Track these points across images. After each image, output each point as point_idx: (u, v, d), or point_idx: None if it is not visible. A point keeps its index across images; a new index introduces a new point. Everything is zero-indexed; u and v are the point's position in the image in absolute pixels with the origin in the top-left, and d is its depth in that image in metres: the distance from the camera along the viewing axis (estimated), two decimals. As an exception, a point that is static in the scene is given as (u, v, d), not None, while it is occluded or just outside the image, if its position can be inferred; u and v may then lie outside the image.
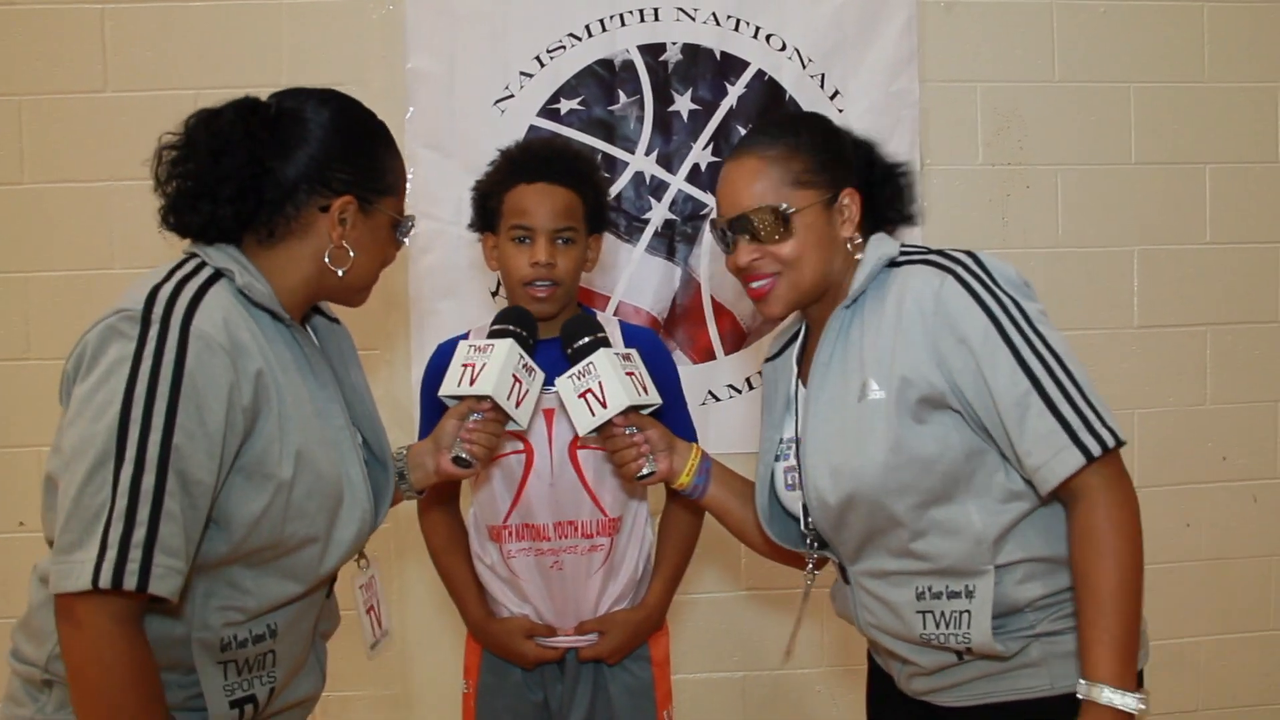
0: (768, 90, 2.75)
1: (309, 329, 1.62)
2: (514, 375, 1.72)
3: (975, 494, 1.51)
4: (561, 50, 2.72)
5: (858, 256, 1.62)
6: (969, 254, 1.55)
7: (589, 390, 1.74)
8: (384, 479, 1.68)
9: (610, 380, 1.73)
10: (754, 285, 1.64)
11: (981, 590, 1.50)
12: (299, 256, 1.49)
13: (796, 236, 1.59)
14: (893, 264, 1.60)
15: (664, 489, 2.11)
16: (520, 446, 1.95)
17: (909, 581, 1.57)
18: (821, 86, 2.75)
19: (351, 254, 1.51)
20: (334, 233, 1.49)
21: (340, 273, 1.51)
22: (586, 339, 1.78)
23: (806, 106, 2.74)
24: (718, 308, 2.76)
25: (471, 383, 1.70)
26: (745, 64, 2.74)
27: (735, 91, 2.74)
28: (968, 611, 1.51)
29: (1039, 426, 1.43)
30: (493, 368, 1.70)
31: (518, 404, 1.73)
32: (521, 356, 1.74)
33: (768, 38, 2.74)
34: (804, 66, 2.75)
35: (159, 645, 1.36)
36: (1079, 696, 1.43)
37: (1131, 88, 2.86)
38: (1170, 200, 2.89)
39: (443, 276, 2.72)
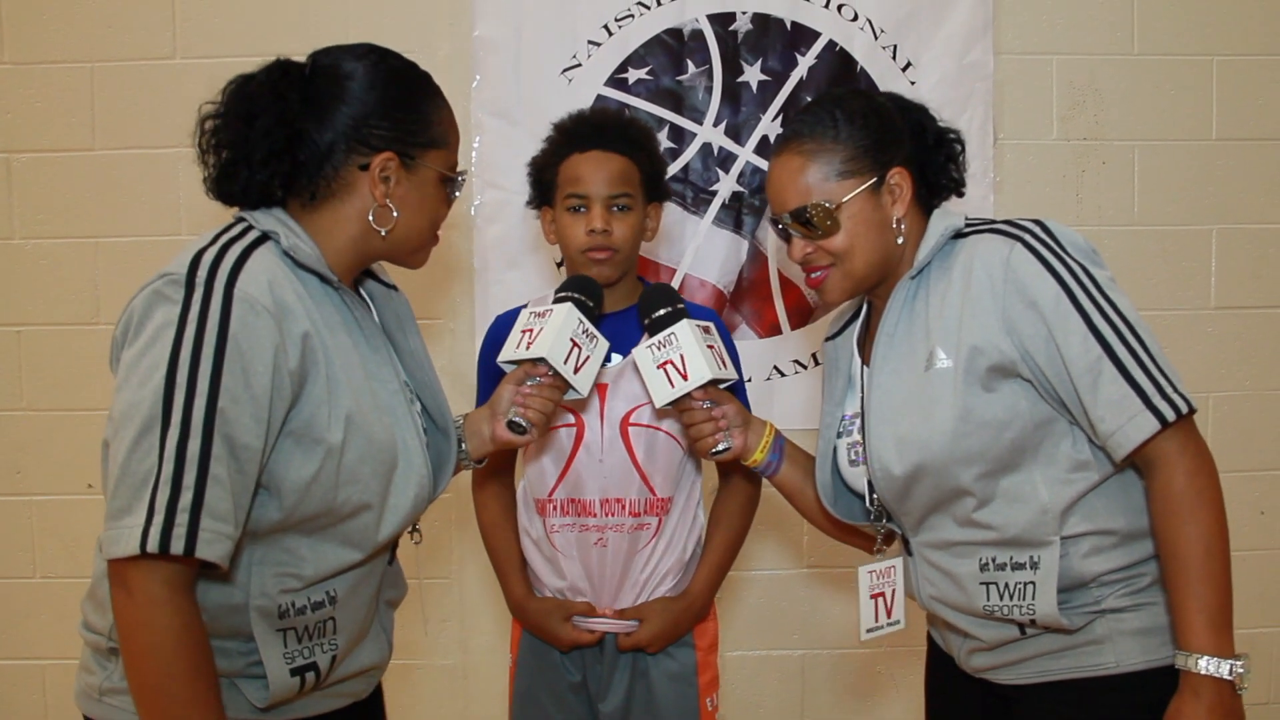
0: (838, 61, 2.70)
1: (364, 294, 1.59)
2: (572, 340, 1.67)
3: (1042, 464, 1.50)
4: (630, 19, 2.69)
5: (899, 240, 1.61)
6: (1037, 222, 1.53)
7: (669, 361, 1.70)
8: (445, 446, 1.65)
9: (692, 352, 1.69)
10: (811, 276, 1.65)
11: (1046, 561, 1.48)
12: (343, 217, 1.46)
13: (844, 229, 1.58)
14: (958, 235, 1.59)
15: (716, 474, 2.10)
16: (571, 420, 1.93)
17: (973, 552, 1.55)
18: (894, 58, 2.70)
19: (395, 213, 1.47)
20: (376, 191, 1.45)
21: (384, 232, 1.47)
22: (665, 309, 1.75)
23: (878, 78, 2.69)
24: (785, 282, 2.72)
25: (529, 347, 1.66)
26: (816, 34, 2.69)
27: (805, 62, 2.70)
28: (1032, 583, 1.49)
29: (1112, 392, 1.42)
30: (549, 331, 1.66)
31: (576, 370, 1.68)
32: (581, 321, 1.70)
33: (839, 8, 2.69)
34: (876, 37, 2.70)
35: (218, 613, 1.36)
36: (1177, 668, 1.40)
37: (1214, 61, 2.78)
38: (1252, 178, 2.80)
39: (508, 247, 2.70)
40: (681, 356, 1.69)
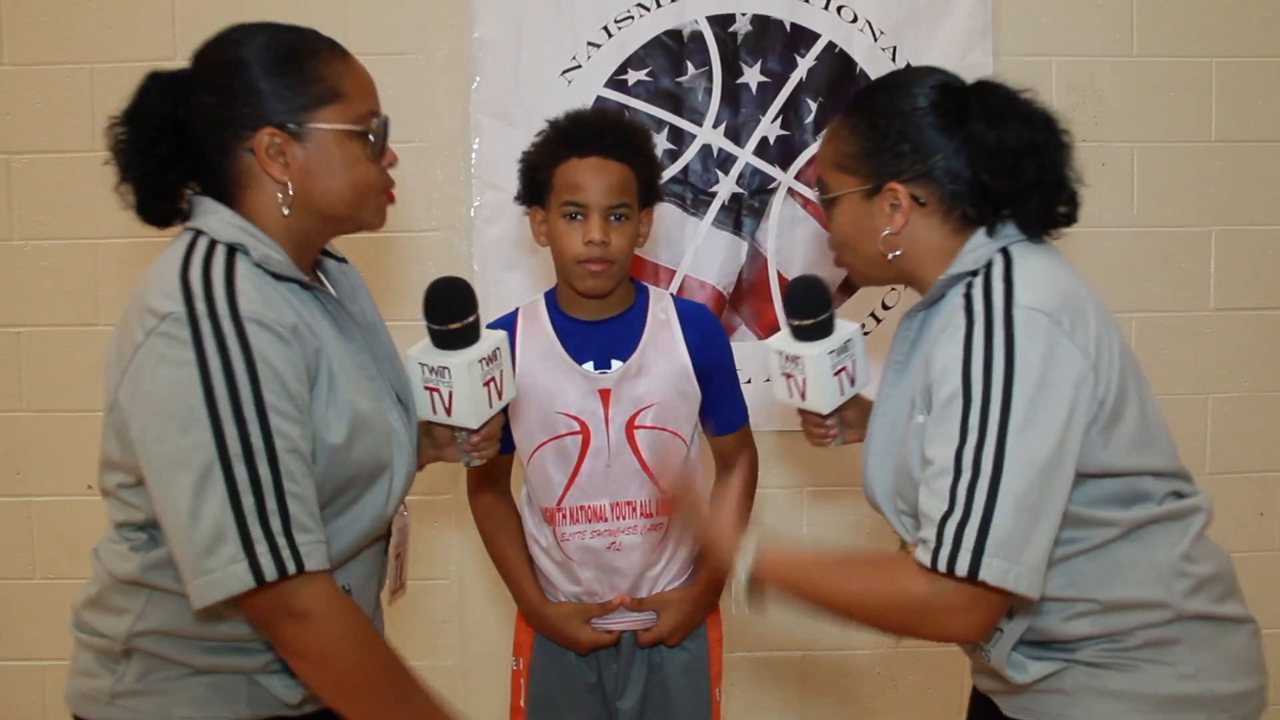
0: (838, 63, 2.69)
1: (320, 275, 1.56)
2: (485, 382, 1.58)
3: None
4: (629, 20, 2.69)
5: (889, 255, 1.46)
6: (1008, 286, 1.32)
7: (844, 369, 1.72)
8: (409, 417, 1.60)
9: (863, 360, 1.75)
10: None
11: (1020, 617, 1.38)
12: (265, 208, 1.39)
13: (835, 222, 1.51)
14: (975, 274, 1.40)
15: (714, 463, 2.11)
16: (576, 427, 1.93)
17: None
18: (893, 60, 2.70)
19: (291, 191, 1.37)
20: (273, 171, 1.36)
21: (286, 210, 1.39)
22: (824, 315, 1.71)
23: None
24: (784, 283, 2.71)
25: (448, 412, 1.57)
26: (815, 36, 2.69)
27: (805, 64, 2.70)
28: (999, 630, 1.39)
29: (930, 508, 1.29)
30: (461, 397, 1.55)
31: (500, 394, 1.62)
32: (481, 364, 1.56)
33: (839, 9, 2.69)
34: (875, 39, 2.70)
35: (239, 618, 1.35)
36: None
37: (1214, 62, 2.77)
38: (1251, 180, 2.80)
39: (508, 248, 2.70)
40: (853, 363, 1.73)
